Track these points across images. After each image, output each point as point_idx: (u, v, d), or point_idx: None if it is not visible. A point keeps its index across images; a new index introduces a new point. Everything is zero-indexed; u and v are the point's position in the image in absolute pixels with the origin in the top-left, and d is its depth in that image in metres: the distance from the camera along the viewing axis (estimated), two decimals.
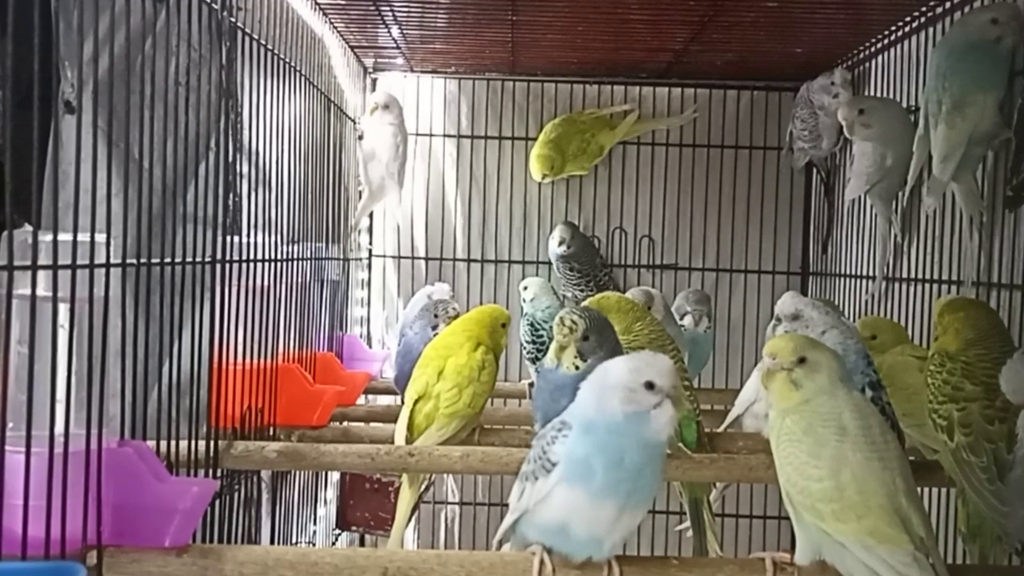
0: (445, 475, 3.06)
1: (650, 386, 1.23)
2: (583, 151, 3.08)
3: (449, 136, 3.24)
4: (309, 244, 2.28)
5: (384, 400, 2.78)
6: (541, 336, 2.50)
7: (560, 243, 3.04)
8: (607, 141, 3.11)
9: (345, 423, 2.32)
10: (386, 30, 2.66)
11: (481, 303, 2.89)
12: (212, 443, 1.62)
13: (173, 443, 1.46)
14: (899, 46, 2.48)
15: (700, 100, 3.19)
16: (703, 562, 1.28)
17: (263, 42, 1.88)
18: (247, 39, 1.79)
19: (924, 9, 2.24)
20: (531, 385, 2.47)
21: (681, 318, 2.65)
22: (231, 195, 1.70)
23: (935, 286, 2.18)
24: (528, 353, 2.57)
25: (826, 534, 1.22)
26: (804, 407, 1.28)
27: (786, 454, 1.27)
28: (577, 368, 1.63)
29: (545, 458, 1.26)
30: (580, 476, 1.22)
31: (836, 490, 1.21)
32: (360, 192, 2.99)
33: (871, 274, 2.60)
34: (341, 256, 2.77)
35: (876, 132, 2.32)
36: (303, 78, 2.23)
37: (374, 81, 3.22)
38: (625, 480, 1.22)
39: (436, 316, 2.39)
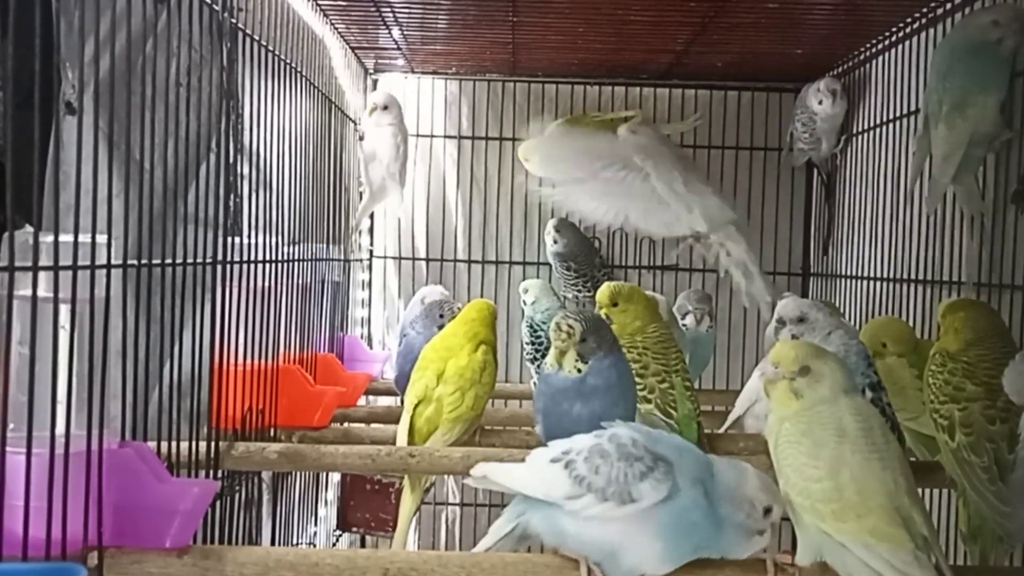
0: (446, 476, 3.06)
1: (767, 511, 1.23)
2: None
3: (450, 137, 3.24)
4: (310, 245, 2.28)
5: (385, 401, 2.79)
6: (540, 338, 2.50)
7: (553, 240, 3.03)
8: None
9: (346, 424, 2.32)
10: (387, 31, 2.66)
11: None
12: (213, 444, 1.62)
13: (174, 444, 1.45)
14: (900, 47, 2.48)
15: (701, 101, 3.19)
16: (704, 563, 1.27)
17: (264, 43, 1.88)
18: (248, 40, 1.79)
19: (925, 10, 2.24)
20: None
21: (683, 317, 2.66)
22: (232, 196, 1.70)
23: (936, 287, 2.18)
24: (528, 355, 2.57)
25: (826, 535, 1.22)
26: (803, 412, 1.28)
27: (785, 456, 1.27)
28: (579, 371, 1.62)
29: (625, 488, 1.22)
30: (665, 535, 1.22)
31: (835, 490, 1.21)
32: (361, 193, 2.99)
33: (871, 275, 2.61)
34: (342, 257, 2.77)
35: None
36: (304, 79, 2.23)
37: (375, 82, 3.22)
38: (691, 556, 1.23)
39: (442, 316, 2.39)
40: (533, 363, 2.54)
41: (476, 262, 3.23)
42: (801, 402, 1.29)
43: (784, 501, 1.26)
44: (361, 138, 2.89)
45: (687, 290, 2.85)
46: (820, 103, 2.82)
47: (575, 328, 1.62)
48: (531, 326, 2.55)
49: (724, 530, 1.23)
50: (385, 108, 2.86)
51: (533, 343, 2.54)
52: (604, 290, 1.99)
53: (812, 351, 1.33)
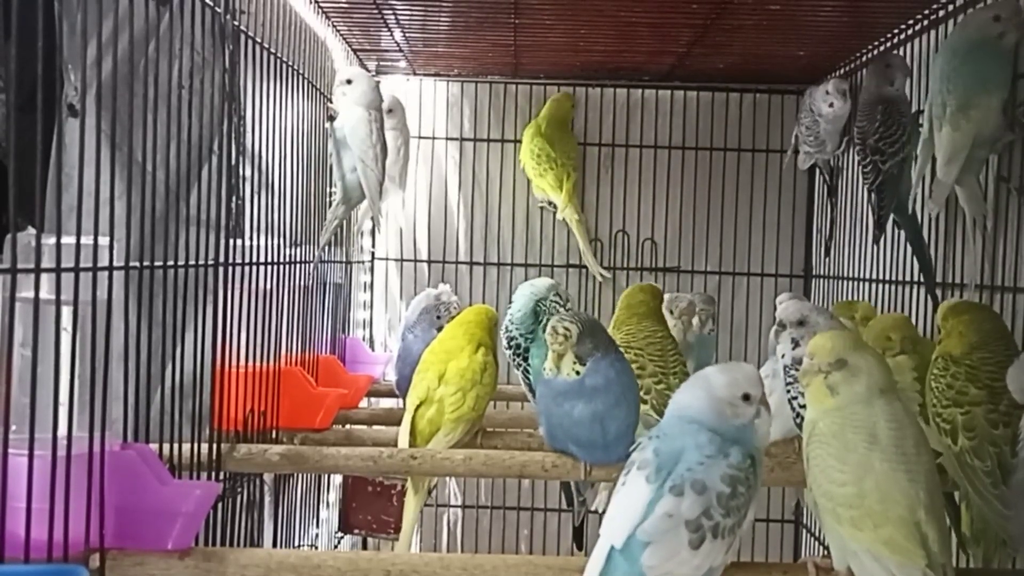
0: (447, 478, 3.06)
1: (746, 397, 1.20)
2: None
3: (452, 139, 3.24)
4: (312, 247, 2.28)
5: (387, 403, 2.78)
6: (518, 347, 2.43)
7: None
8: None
9: (348, 426, 2.32)
10: (389, 33, 2.66)
11: None
12: (215, 446, 1.62)
13: (176, 446, 1.45)
14: (902, 49, 2.47)
15: (703, 103, 3.19)
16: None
17: (266, 45, 1.88)
18: (250, 42, 1.79)
19: (927, 12, 2.24)
20: None
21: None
22: (234, 198, 1.70)
23: (938, 289, 2.18)
24: (516, 364, 2.54)
25: (843, 539, 1.21)
26: (838, 412, 1.24)
27: (814, 455, 1.24)
28: (578, 373, 1.62)
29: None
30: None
31: (857, 497, 1.18)
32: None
33: (874, 276, 2.60)
34: (344, 259, 2.77)
35: None
36: (306, 81, 2.23)
37: (377, 84, 3.22)
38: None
39: (439, 317, 2.38)
40: (518, 369, 2.50)
41: (478, 264, 3.23)
42: (836, 400, 1.25)
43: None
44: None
45: (692, 292, 2.85)
46: (830, 105, 2.78)
47: (571, 331, 1.62)
48: (508, 334, 2.50)
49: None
50: (389, 110, 2.86)
51: (512, 350, 2.48)
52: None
53: (851, 343, 1.28)
